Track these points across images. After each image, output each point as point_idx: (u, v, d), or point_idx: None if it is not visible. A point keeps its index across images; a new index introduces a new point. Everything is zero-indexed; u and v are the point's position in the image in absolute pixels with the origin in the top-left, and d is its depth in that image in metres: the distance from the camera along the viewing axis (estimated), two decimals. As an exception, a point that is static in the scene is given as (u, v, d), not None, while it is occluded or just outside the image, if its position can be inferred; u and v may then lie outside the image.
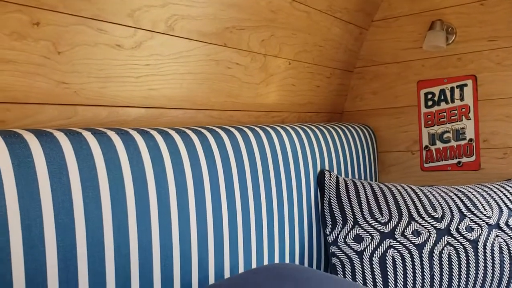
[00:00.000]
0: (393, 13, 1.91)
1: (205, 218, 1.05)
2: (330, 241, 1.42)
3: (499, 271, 1.37)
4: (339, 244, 1.40)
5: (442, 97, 1.84)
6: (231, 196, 1.13)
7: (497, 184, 1.58)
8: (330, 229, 1.43)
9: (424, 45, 1.75)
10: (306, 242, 1.41)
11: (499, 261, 1.38)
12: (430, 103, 1.87)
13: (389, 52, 1.93)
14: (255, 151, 1.24)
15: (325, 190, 1.48)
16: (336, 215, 1.44)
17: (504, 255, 1.38)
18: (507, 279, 1.37)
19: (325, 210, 1.46)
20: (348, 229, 1.41)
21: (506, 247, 1.39)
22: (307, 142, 1.45)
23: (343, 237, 1.40)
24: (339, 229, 1.42)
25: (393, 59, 1.92)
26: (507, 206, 1.47)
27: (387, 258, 1.35)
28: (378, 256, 1.36)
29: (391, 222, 1.41)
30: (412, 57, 1.88)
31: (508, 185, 1.57)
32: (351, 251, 1.38)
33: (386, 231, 1.39)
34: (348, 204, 1.44)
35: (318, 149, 1.50)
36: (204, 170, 1.06)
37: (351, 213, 1.43)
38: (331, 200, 1.46)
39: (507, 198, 1.50)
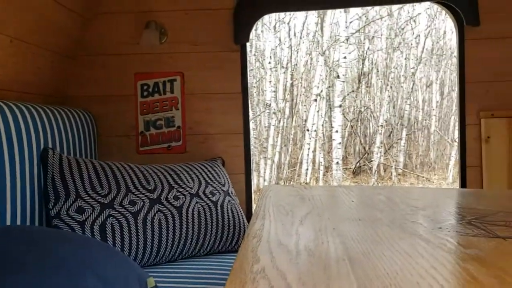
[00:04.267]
0: (116, 9, 2.09)
1: None
2: (53, 215, 1.49)
3: (197, 230, 1.70)
4: (61, 216, 1.49)
5: (156, 89, 2.12)
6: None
7: (199, 163, 1.94)
8: (53, 204, 1.51)
9: (140, 42, 1.98)
10: (28, 218, 1.45)
11: (197, 222, 1.71)
12: (145, 93, 2.12)
13: (111, 44, 2.09)
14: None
15: (48, 167, 1.54)
16: (59, 189, 1.52)
17: (201, 217, 1.73)
18: (203, 235, 1.72)
19: (48, 186, 1.53)
20: (71, 202, 1.51)
21: (203, 210, 1.74)
22: (31, 120, 1.49)
23: (66, 209, 1.50)
24: (62, 203, 1.51)
25: (115, 51, 2.09)
26: (204, 179, 1.83)
27: (106, 225, 1.52)
28: (99, 225, 1.51)
29: (111, 194, 1.58)
30: (131, 51, 2.09)
31: (206, 164, 1.95)
32: (74, 222, 1.49)
33: (106, 202, 1.55)
34: (71, 179, 1.55)
35: (42, 128, 1.55)
36: None
37: (73, 187, 1.54)
38: (54, 176, 1.54)
39: (205, 173, 1.87)
